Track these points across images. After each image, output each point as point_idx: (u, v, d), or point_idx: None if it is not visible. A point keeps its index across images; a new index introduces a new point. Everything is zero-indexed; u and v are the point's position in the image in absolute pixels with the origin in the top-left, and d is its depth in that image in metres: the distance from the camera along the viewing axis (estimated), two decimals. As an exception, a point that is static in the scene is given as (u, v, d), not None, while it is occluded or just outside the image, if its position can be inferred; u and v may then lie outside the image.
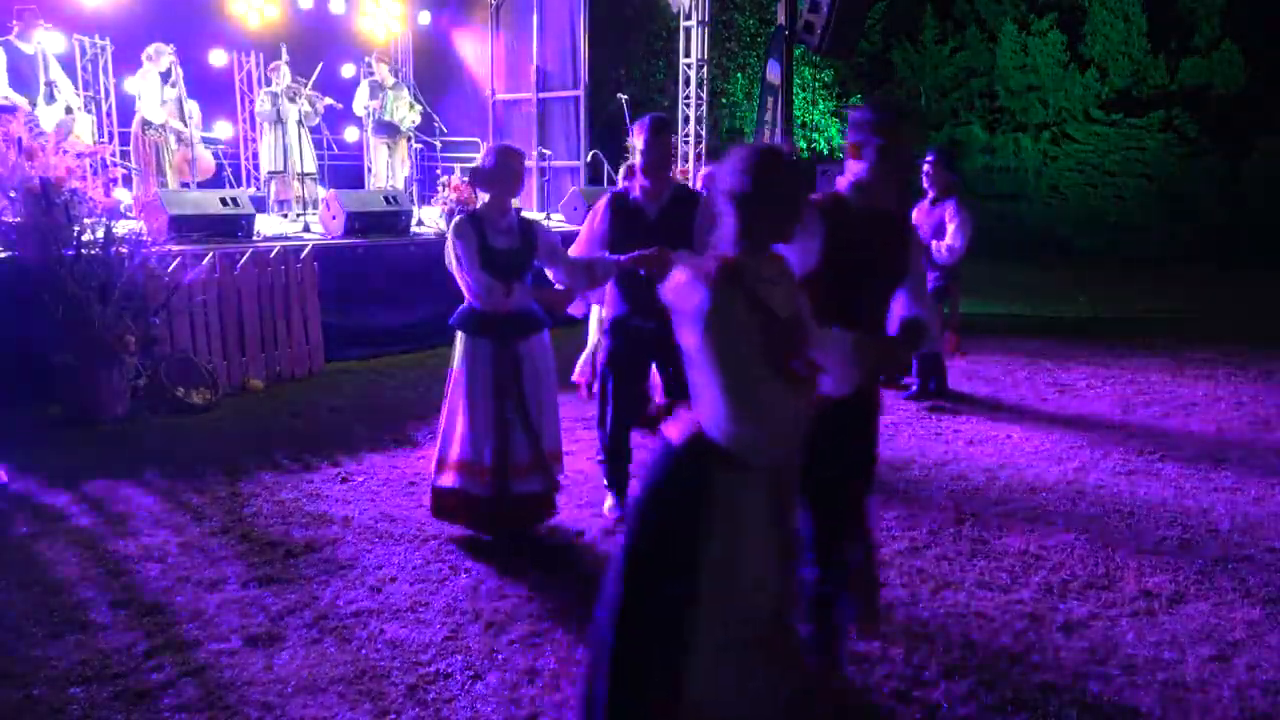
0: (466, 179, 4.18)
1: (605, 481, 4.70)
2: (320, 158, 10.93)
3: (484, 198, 4.14)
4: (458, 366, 4.15)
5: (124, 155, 9.48)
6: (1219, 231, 16.35)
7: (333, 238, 8.52)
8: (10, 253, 6.21)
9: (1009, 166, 18.07)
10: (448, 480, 4.18)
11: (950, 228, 6.42)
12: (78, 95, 8.77)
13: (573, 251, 4.35)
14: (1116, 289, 13.00)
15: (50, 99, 8.36)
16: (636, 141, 4.18)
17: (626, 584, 2.35)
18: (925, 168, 6.61)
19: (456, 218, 4.13)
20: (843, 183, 2.82)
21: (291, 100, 10.11)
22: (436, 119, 11.05)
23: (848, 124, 2.84)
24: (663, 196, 4.22)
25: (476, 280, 3.99)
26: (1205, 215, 16.50)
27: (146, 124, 9.29)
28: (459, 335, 4.18)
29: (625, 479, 4.61)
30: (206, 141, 9.89)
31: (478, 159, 3.92)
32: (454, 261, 4.05)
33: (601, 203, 4.39)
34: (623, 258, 4.04)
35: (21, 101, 7.99)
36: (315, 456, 5.48)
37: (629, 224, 4.22)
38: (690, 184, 11.95)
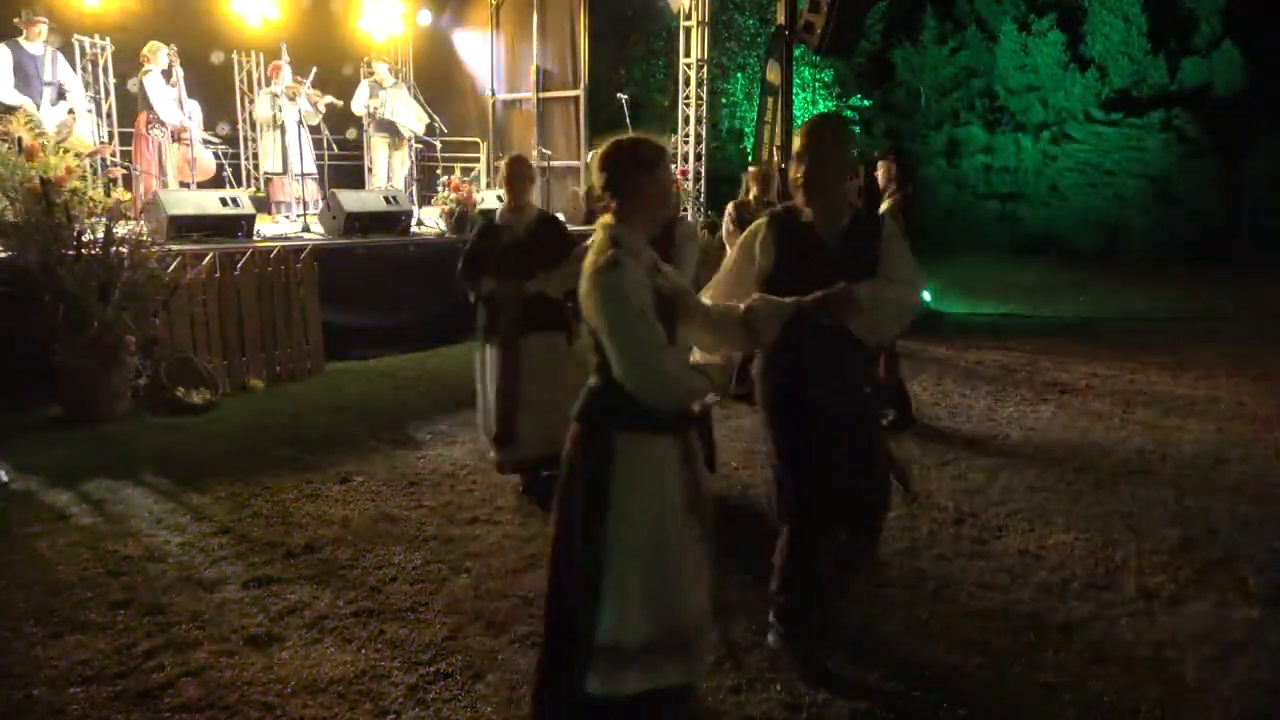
0: (591, 195, 2.37)
1: (791, 649, 3.26)
2: (320, 158, 10.93)
3: (607, 220, 2.53)
4: (643, 502, 2.48)
5: (124, 155, 9.48)
6: (1219, 231, 16.35)
7: (333, 238, 8.52)
8: (10, 253, 6.22)
9: (1009, 166, 18.08)
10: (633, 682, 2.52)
11: None
12: (85, 97, 8.76)
13: (710, 296, 3.09)
14: (1116, 289, 13.00)
15: (56, 100, 8.35)
16: (796, 141, 3.11)
17: None
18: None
19: (608, 254, 2.42)
20: None
21: (291, 100, 10.11)
22: (436, 119, 11.06)
23: None
24: (840, 220, 3.12)
25: (665, 356, 2.45)
26: (1205, 215, 16.50)
27: (150, 123, 9.29)
28: (619, 445, 2.49)
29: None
30: (206, 141, 9.90)
31: (595, 160, 2.58)
32: (615, 325, 2.41)
33: (761, 228, 3.18)
34: (804, 300, 2.83)
35: (26, 103, 7.98)
36: (315, 456, 5.48)
37: (802, 255, 3.05)
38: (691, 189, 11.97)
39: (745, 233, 3.25)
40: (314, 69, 10.20)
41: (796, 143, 3.11)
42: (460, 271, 4.92)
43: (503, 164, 5.04)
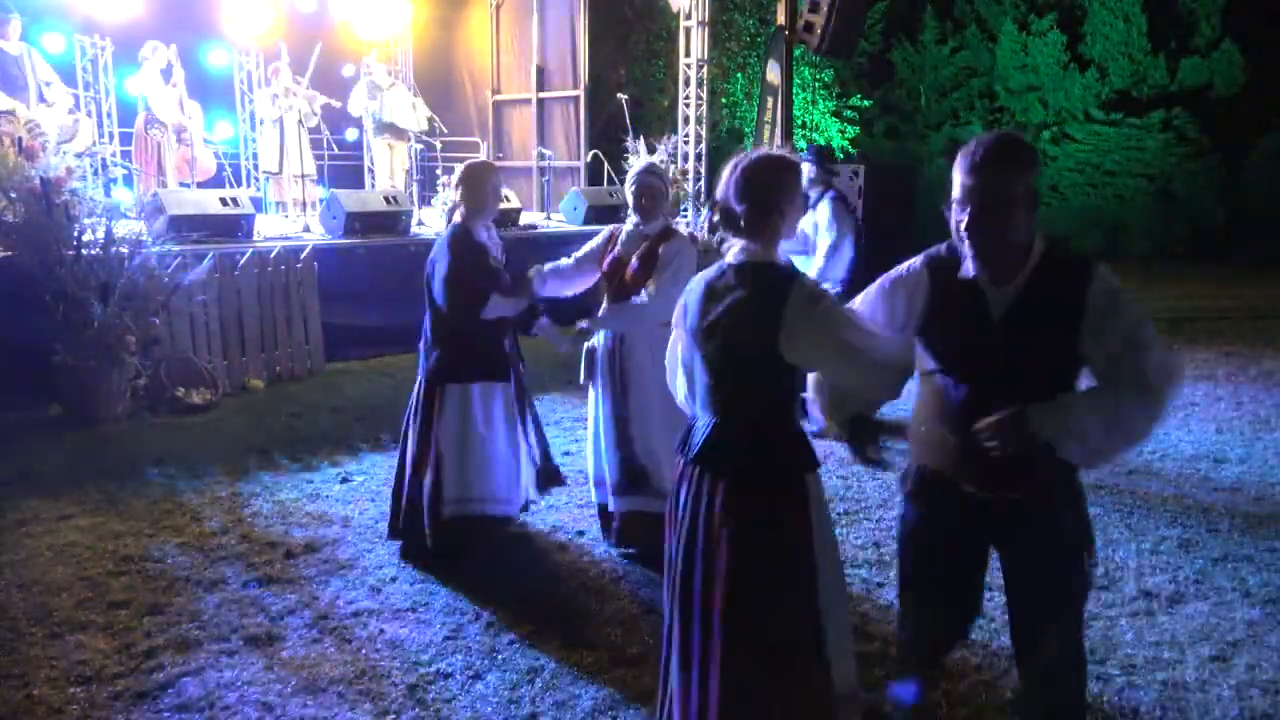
0: (728, 216, 2.29)
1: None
2: (320, 158, 10.93)
3: (754, 252, 2.31)
4: (831, 537, 2.42)
5: (124, 155, 9.48)
6: (1218, 231, 16.36)
7: (333, 238, 8.52)
8: (10, 253, 6.22)
9: (1009, 166, 18.05)
10: None
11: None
12: (70, 94, 8.73)
13: None
14: (1116, 289, 12.98)
15: (42, 99, 8.33)
16: (958, 175, 2.17)
17: None
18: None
19: (805, 279, 2.29)
20: None
21: (289, 100, 10.10)
22: (436, 119, 11.07)
23: None
24: (1015, 278, 2.19)
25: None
26: (1205, 215, 16.50)
27: (150, 123, 9.29)
28: (811, 484, 2.35)
29: None
30: (206, 141, 9.89)
31: (738, 180, 2.30)
32: (866, 343, 2.28)
33: (917, 270, 2.34)
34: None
35: (16, 104, 7.97)
36: (315, 456, 5.48)
37: (958, 324, 2.26)
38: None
39: (896, 277, 2.38)
40: (316, 50, 9.98)
41: (958, 177, 2.15)
42: (461, 291, 4.07)
43: (471, 170, 4.04)
